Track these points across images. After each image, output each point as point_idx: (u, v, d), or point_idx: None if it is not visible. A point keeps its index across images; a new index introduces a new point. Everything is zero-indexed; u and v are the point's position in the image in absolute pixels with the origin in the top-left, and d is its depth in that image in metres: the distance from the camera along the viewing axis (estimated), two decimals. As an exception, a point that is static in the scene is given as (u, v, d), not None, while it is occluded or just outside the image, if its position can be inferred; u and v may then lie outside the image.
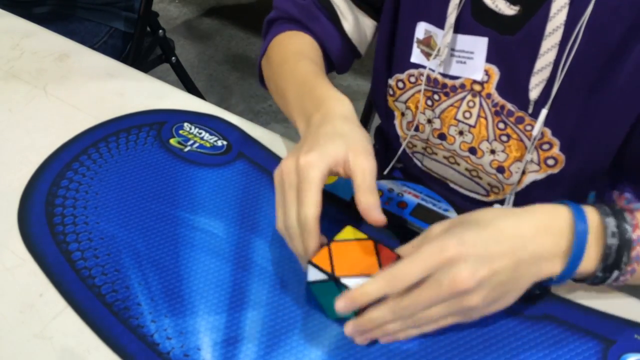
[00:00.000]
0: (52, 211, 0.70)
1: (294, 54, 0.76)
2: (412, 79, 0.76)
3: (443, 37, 0.70)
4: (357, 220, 0.69)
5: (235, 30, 2.44)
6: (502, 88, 0.70)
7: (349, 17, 0.79)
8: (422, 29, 0.72)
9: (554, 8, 0.63)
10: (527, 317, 0.60)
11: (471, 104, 0.72)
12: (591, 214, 0.54)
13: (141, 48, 1.53)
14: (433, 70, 0.72)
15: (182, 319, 0.60)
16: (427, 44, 0.73)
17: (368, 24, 0.81)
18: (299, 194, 0.57)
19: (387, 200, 0.68)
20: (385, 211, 0.66)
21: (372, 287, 0.52)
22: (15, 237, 0.68)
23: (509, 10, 0.66)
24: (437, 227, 0.55)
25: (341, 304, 0.52)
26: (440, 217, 0.66)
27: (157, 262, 0.65)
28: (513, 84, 0.69)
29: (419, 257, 0.51)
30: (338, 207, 0.69)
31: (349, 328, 0.55)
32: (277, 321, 0.60)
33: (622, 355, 0.57)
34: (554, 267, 0.54)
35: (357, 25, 0.80)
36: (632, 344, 0.58)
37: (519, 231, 0.53)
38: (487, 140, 0.73)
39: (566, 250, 0.53)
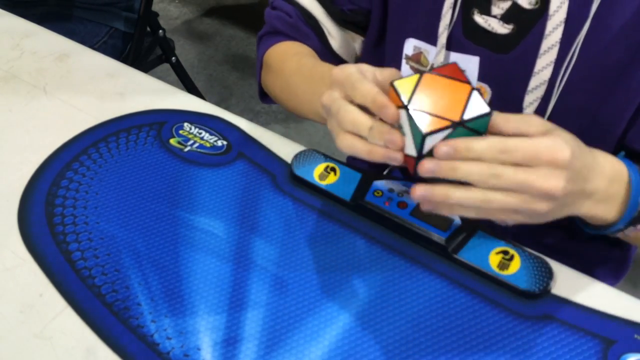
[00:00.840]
0: (52, 211, 0.70)
1: (293, 55, 0.77)
2: None
3: (435, 56, 0.69)
4: (357, 219, 0.69)
5: (235, 30, 2.44)
6: (495, 106, 0.69)
7: (336, 35, 0.79)
8: (411, 45, 0.72)
9: (550, 26, 0.62)
10: (527, 317, 0.60)
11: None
12: None
13: (141, 48, 1.52)
14: None
15: (182, 319, 0.60)
16: (417, 61, 0.72)
17: (357, 40, 0.82)
18: (348, 92, 0.54)
19: (387, 200, 0.68)
20: (385, 211, 0.67)
21: (480, 145, 0.50)
22: (15, 237, 0.68)
23: (503, 29, 0.66)
24: (546, 123, 0.53)
25: (444, 148, 0.50)
26: (440, 217, 0.66)
27: (157, 262, 0.65)
28: (506, 102, 0.68)
29: (535, 143, 0.50)
30: (338, 207, 0.69)
31: (424, 167, 0.52)
32: (277, 321, 0.60)
33: (622, 355, 0.57)
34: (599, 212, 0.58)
35: (345, 42, 0.81)
36: (632, 344, 0.58)
37: (593, 180, 0.56)
38: None
39: (619, 215, 0.58)
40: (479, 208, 0.52)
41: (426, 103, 0.50)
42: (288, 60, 0.77)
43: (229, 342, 0.59)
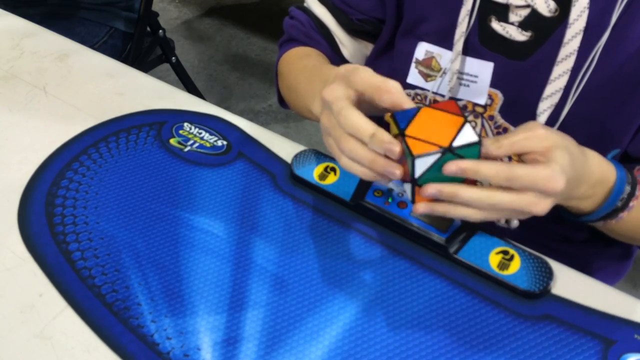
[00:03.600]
0: (52, 211, 0.70)
1: (300, 58, 0.78)
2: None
3: (451, 63, 0.69)
4: (357, 219, 0.69)
5: (235, 30, 2.44)
6: (506, 111, 0.69)
7: (347, 44, 0.80)
8: (422, 49, 0.71)
9: (569, 34, 0.62)
10: (527, 317, 0.60)
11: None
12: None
13: (141, 48, 1.53)
14: (437, 94, 0.72)
15: (182, 319, 0.60)
16: (428, 65, 0.72)
17: (369, 48, 0.82)
18: (338, 119, 0.55)
19: (387, 200, 0.68)
20: (385, 211, 0.67)
21: (485, 168, 0.52)
22: (15, 237, 0.68)
23: (521, 36, 0.65)
24: (548, 137, 0.54)
25: (452, 167, 0.52)
26: (440, 217, 0.66)
27: (157, 262, 0.65)
28: (519, 108, 0.68)
29: (534, 173, 0.52)
30: (338, 207, 0.69)
31: (431, 190, 0.54)
32: (277, 321, 0.60)
33: (622, 355, 0.57)
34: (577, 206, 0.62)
35: (356, 50, 0.81)
36: (632, 344, 0.58)
37: (580, 187, 0.59)
38: None
39: (595, 209, 0.62)
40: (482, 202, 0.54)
41: (420, 131, 0.53)
42: (296, 62, 0.78)
43: (229, 342, 0.59)
